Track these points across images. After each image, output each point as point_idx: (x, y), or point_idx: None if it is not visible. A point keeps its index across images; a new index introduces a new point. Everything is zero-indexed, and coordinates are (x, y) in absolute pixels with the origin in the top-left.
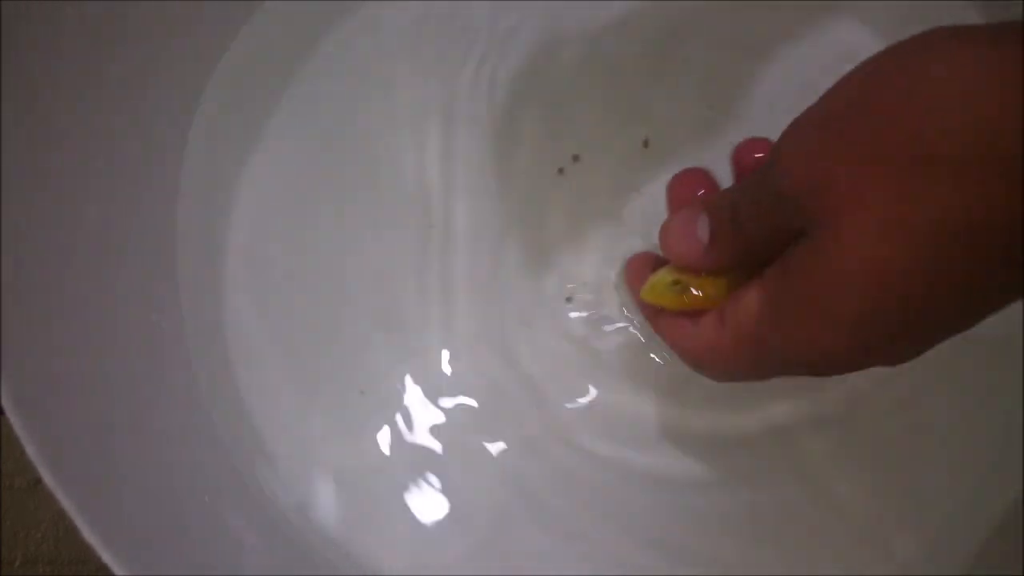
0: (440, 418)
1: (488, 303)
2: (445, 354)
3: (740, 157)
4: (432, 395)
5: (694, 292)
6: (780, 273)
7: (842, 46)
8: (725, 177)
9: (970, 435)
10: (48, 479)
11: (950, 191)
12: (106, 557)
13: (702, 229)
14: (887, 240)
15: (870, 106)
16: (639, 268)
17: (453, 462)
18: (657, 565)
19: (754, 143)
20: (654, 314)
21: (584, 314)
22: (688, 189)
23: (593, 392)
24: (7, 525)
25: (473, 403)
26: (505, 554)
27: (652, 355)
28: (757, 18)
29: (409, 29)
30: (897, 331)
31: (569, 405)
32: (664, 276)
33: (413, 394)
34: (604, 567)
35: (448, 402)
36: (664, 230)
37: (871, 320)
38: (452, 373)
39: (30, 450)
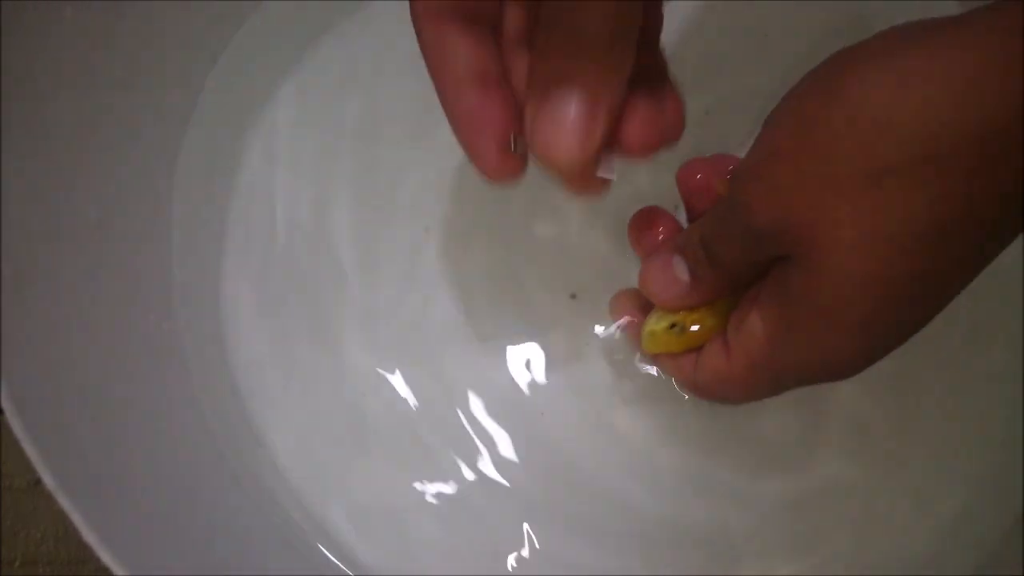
0: (442, 419)
1: (489, 304)
2: (447, 355)
3: (685, 179)
4: (434, 397)
5: (693, 328)
6: (778, 298)
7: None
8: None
9: (971, 436)
10: (47, 479)
11: (912, 197)
12: (105, 557)
13: (680, 270)
14: (870, 252)
15: (818, 136)
16: (625, 310)
17: (456, 463)
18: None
19: (694, 165)
20: (654, 355)
21: (588, 312)
22: (650, 230)
23: (600, 395)
24: (7, 525)
25: (477, 405)
26: (510, 554)
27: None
28: (757, 15)
29: (408, 29)
30: (900, 323)
31: (575, 405)
32: (659, 322)
33: (414, 396)
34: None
35: (449, 403)
36: (643, 279)
37: (875, 323)
38: (455, 374)
39: (29, 451)
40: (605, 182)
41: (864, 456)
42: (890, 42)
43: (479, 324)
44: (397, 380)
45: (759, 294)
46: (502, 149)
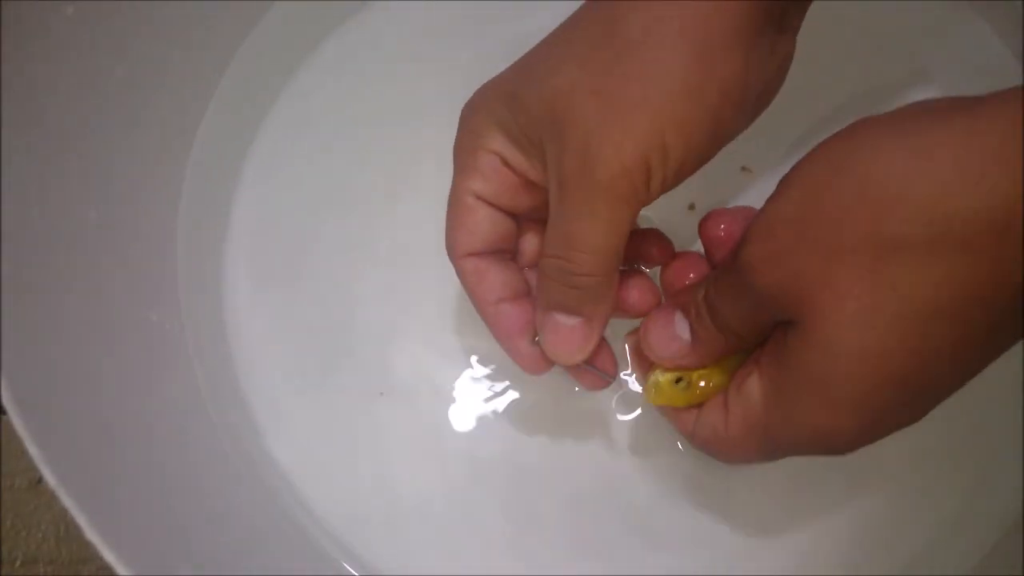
0: (445, 418)
1: None
2: (453, 358)
3: (708, 230)
4: (437, 397)
5: (700, 385)
6: (776, 363)
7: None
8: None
9: (971, 434)
10: (49, 478)
11: (918, 274)
12: (108, 556)
13: (681, 328)
14: (870, 327)
15: (828, 205)
16: (637, 351)
17: (460, 465)
18: (648, 558)
19: (718, 216)
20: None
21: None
22: (681, 269)
23: (612, 398)
24: (8, 525)
25: (481, 409)
26: (510, 555)
27: None
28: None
29: (414, 31)
30: (898, 405)
31: (595, 412)
32: (665, 374)
33: (419, 398)
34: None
35: (452, 403)
36: (643, 333)
37: (870, 401)
38: (459, 375)
39: (31, 449)
40: (605, 381)
41: (861, 456)
42: (907, 117)
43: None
44: (401, 382)
45: (761, 356)
46: (532, 345)
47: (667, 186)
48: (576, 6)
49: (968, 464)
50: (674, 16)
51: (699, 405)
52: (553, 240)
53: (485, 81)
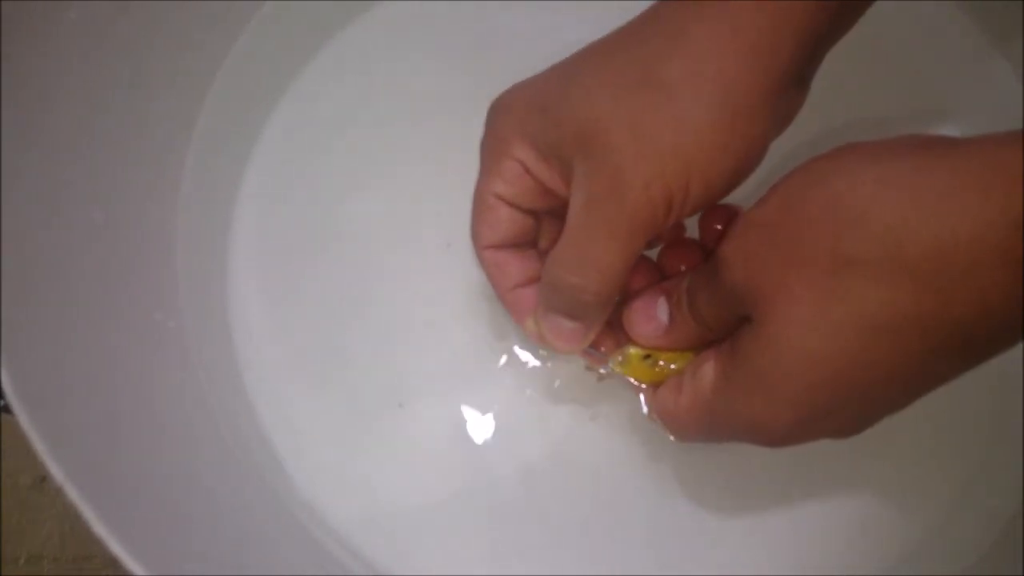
0: (447, 419)
1: (506, 317)
2: (458, 361)
3: (705, 226)
4: (441, 400)
5: (666, 365)
6: (730, 352)
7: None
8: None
9: (970, 433)
10: (56, 472)
11: (866, 290)
12: (115, 548)
13: (661, 311)
14: (815, 331)
15: (797, 215)
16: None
17: (462, 465)
18: (651, 562)
19: (715, 212)
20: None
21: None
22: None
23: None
24: (11, 523)
25: (484, 410)
26: (509, 555)
27: None
28: None
29: (418, 32)
30: (832, 410)
31: (609, 412)
32: (637, 349)
33: (422, 399)
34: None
35: (455, 405)
36: (627, 311)
37: (806, 400)
38: (464, 379)
39: (37, 445)
40: (601, 360)
41: (857, 455)
42: (888, 146)
43: (493, 333)
44: (410, 383)
45: (720, 347)
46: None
47: (679, 220)
48: (574, 8)
49: (965, 462)
50: (711, 72)
51: (658, 384)
52: (567, 256)
53: (488, 81)
